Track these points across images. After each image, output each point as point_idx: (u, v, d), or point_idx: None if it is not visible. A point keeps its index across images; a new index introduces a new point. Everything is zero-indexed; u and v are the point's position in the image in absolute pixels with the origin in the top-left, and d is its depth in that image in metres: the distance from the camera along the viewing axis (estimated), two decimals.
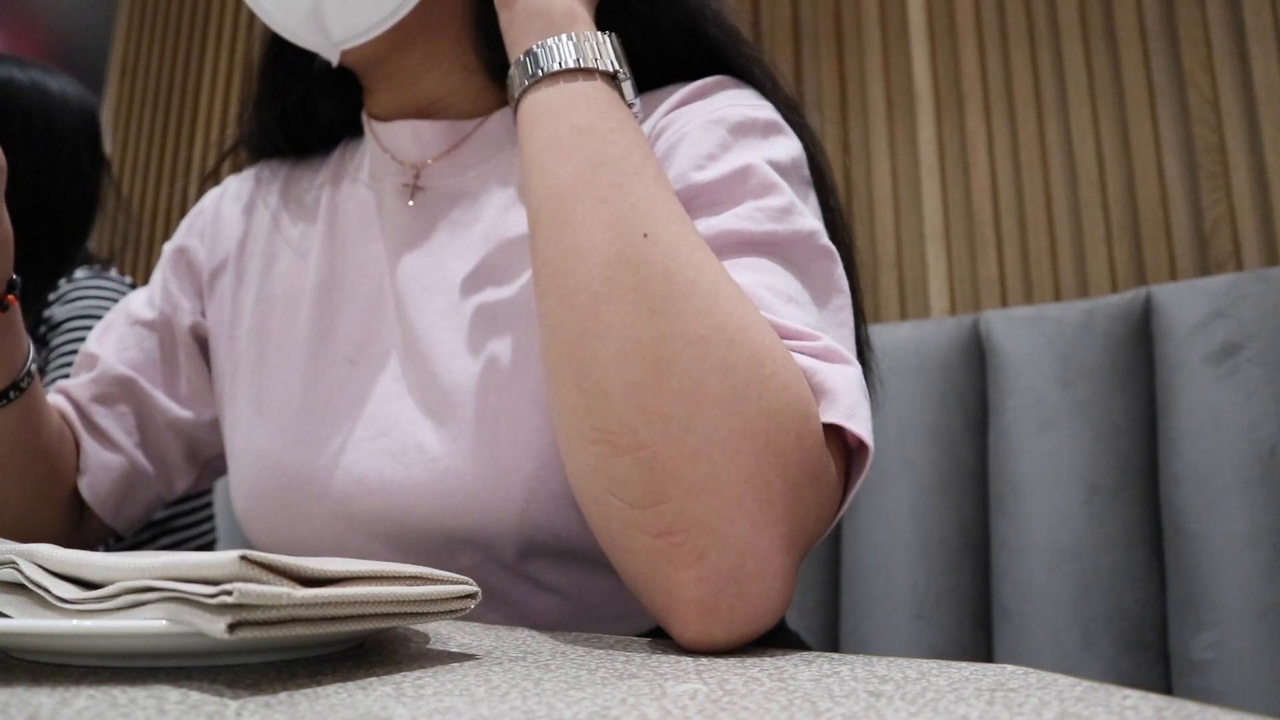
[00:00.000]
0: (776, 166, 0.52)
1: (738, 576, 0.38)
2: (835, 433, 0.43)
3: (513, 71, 0.51)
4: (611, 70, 0.49)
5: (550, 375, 0.44)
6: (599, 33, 0.50)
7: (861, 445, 0.43)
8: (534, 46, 0.50)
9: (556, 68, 0.48)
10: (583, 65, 0.48)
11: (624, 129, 0.46)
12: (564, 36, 0.49)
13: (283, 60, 0.70)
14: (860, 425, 0.42)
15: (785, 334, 0.44)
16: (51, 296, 1.07)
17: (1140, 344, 0.88)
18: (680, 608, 0.39)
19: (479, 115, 0.65)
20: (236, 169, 0.77)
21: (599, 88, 0.48)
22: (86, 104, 1.14)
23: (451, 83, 0.65)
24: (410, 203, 0.63)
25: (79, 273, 1.10)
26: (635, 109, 0.51)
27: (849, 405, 0.42)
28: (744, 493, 0.38)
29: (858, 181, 1.58)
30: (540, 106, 0.48)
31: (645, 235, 0.42)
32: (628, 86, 0.50)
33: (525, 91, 0.49)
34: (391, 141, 0.65)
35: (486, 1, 0.61)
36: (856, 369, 0.45)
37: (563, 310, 0.43)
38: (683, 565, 0.38)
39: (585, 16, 0.51)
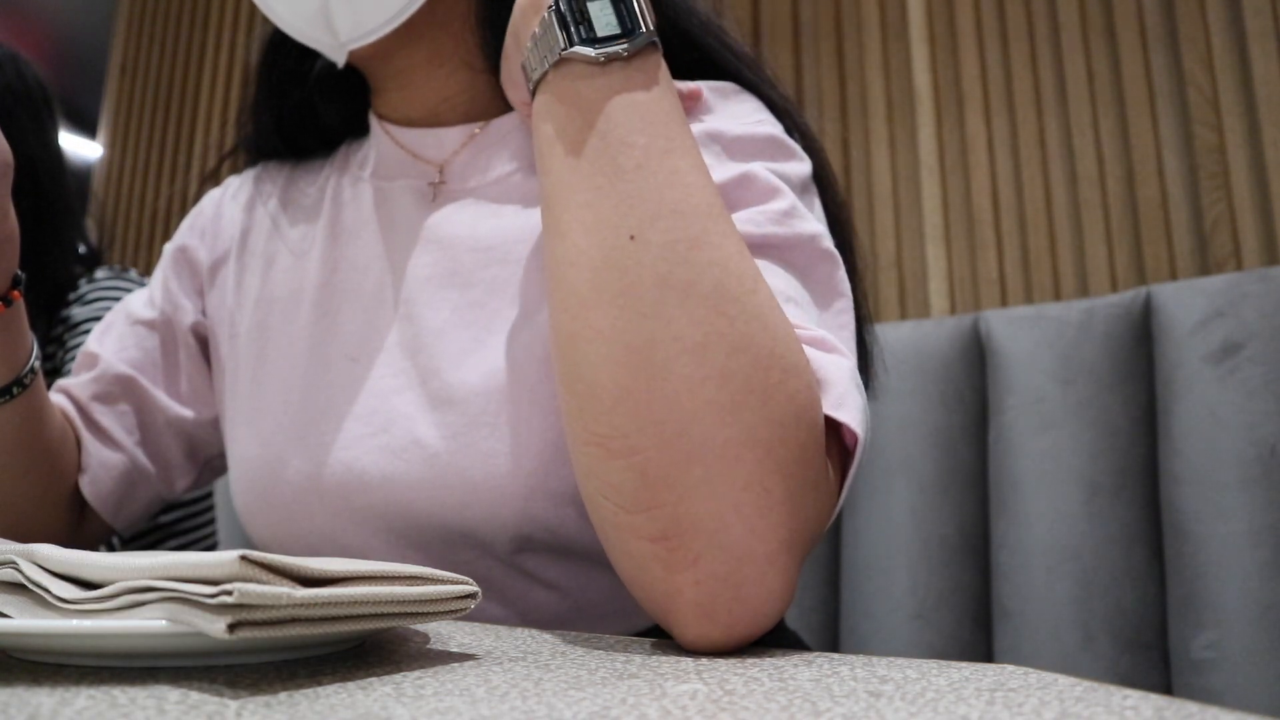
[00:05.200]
0: (778, 173, 0.53)
1: (735, 581, 0.38)
2: (829, 425, 0.43)
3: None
4: (573, 42, 0.44)
5: (555, 375, 0.44)
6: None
7: (854, 435, 0.43)
8: (527, 46, 0.47)
9: (545, 68, 0.46)
10: (552, 61, 0.45)
11: (593, 120, 0.43)
12: (535, 27, 0.46)
13: (280, 65, 0.70)
14: (849, 414, 0.42)
15: None
16: (71, 296, 1.06)
17: (1140, 344, 0.88)
18: (679, 610, 0.39)
19: (490, 116, 0.65)
20: (236, 171, 0.77)
21: (572, 73, 0.44)
22: (11, 60, 1.08)
23: (459, 81, 0.65)
24: (432, 201, 0.63)
25: (99, 273, 1.09)
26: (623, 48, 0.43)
27: (839, 394, 0.42)
28: (741, 499, 0.38)
29: (858, 181, 1.58)
30: (535, 116, 0.47)
31: (632, 238, 0.41)
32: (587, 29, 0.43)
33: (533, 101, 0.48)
34: (411, 143, 0.66)
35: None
36: (850, 361, 0.45)
37: (558, 313, 0.43)
38: (679, 569, 0.38)
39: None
